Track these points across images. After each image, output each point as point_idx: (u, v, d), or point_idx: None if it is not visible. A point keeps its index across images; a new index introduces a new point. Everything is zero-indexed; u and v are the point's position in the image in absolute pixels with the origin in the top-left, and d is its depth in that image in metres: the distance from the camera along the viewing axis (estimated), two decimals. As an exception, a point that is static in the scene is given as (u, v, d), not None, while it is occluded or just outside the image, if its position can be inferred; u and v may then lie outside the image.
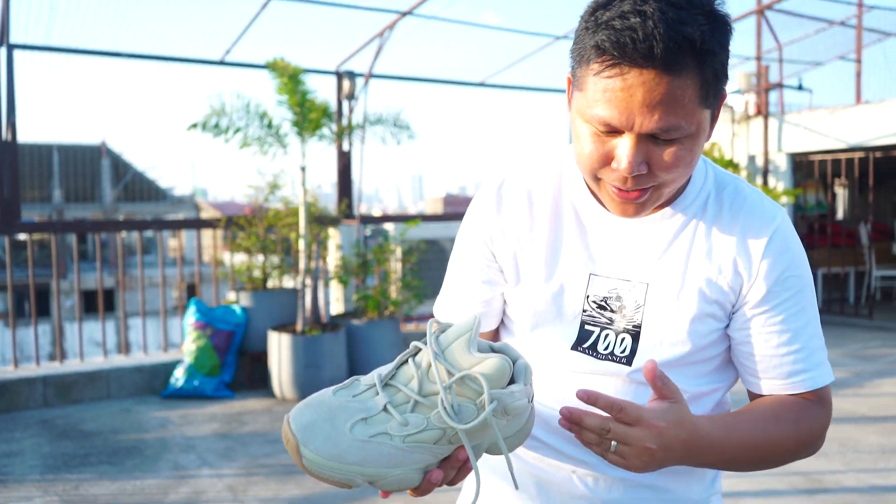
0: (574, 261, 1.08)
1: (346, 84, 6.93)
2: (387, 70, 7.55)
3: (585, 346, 1.07)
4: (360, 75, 7.08)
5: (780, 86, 9.06)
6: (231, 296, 6.01)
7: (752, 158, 8.97)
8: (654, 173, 0.94)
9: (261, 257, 6.00)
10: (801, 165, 9.63)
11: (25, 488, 3.66)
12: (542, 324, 1.10)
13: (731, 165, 8.58)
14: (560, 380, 1.09)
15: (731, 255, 1.03)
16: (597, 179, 0.99)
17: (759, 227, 1.03)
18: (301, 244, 5.58)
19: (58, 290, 5.74)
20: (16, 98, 5.37)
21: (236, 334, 5.53)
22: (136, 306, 15.54)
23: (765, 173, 8.70)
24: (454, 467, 0.90)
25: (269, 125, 5.37)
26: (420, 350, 0.91)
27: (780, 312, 1.03)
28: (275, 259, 5.99)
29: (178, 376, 5.36)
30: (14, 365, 5.42)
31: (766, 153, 8.69)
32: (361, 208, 7.37)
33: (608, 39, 0.88)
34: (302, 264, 5.56)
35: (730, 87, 9.50)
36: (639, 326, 1.05)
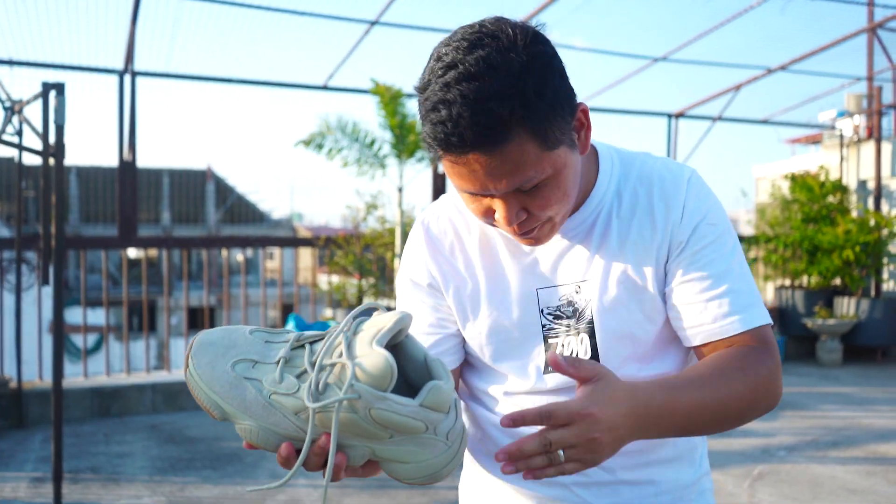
0: (517, 282, 1.10)
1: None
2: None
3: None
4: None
5: (894, 107, 8.63)
6: (328, 312, 6.18)
7: (862, 183, 8.56)
8: (534, 216, 0.98)
9: (354, 280, 6.13)
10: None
11: (135, 487, 3.85)
12: (506, 353, 1.11)
13: (840, 189, 8.20)
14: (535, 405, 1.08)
15: (651, 222, 1.07)
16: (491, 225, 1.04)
17: (670, 186, 1.07)
18: (396, 263, 5.68)
19: (168, 307, 6.05)
20: (137, 122, 5.74)
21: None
22: (238, 323, 16.11)
23: (877, 198, 8.27)
24: (316, 453, 0.86)
25: (370, 145, 5.52)
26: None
27: (699, 259, 1.05)
28: (371, 278, 6.12)
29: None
30: (126, 373, 5.74)
31: (878, 177, 8.27)
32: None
33: (429, 135, 0.92)
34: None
35: (832, 111, 9.12)
36: (591, 322, 1.07)
